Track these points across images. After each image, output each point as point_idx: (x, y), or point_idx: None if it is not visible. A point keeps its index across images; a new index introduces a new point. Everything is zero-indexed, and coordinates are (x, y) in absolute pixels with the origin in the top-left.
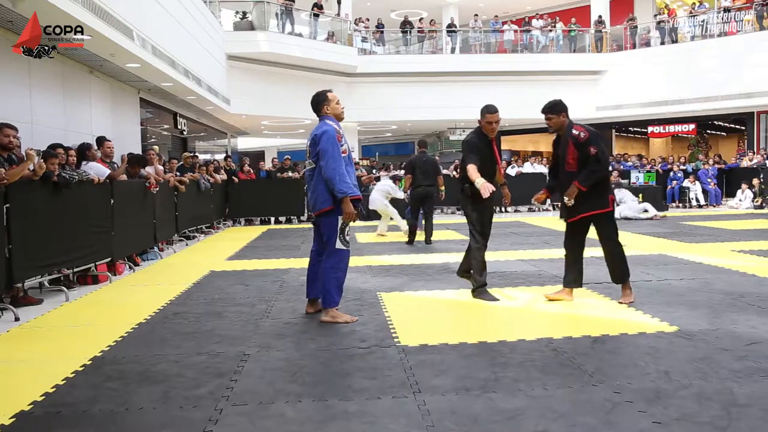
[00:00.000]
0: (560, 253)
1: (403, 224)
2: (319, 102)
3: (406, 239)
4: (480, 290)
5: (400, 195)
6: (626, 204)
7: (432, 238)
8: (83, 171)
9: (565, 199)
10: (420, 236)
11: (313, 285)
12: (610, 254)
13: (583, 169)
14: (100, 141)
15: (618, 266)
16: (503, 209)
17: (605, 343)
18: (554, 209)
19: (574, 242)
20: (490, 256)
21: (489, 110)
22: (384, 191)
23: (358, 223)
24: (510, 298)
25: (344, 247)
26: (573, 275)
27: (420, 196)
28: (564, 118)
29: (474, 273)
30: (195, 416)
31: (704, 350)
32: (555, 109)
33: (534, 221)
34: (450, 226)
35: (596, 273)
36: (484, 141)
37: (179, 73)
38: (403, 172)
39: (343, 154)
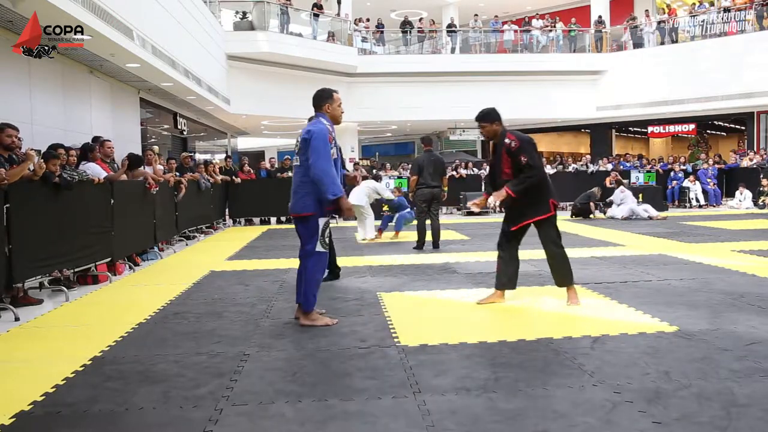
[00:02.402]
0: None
1: (369, 232)
2: (323, 98)
3: (383, 239)
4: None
5: (388, 195)
6: (627, 204)
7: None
8: (83, 171)
9: (491, 199)
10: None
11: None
12: (552, 258)
13: (517, 177)
14: (98, 141)
15: (561, 269)
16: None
17: (605, 343)
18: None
19: (510, 245)
20: (490, 256)
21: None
22: (370, 188)
23: (355, 223)
24: (510, 298)
25: (323, 249)
26: (506, 277)
27: (428, 196)
28: (497, 126)
29: None
30: (195, 416)
31: (704, 350)
32: (488, 117)
33: None
34: (449, 226)
35: (596, 273)
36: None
37: (179, 73)
38: (408, 173)
39: (333, 157)
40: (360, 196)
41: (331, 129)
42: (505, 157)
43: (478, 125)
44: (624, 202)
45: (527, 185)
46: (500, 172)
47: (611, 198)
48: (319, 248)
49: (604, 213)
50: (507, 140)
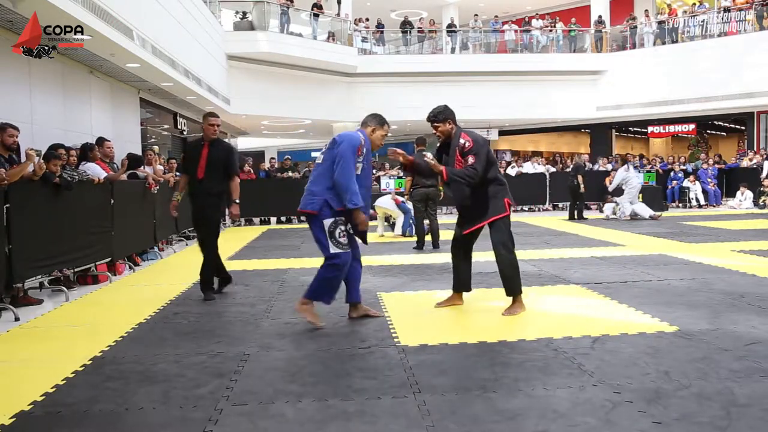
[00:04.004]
0: (561, 253)
1: (397, 230)
2: (374, 120)
3: (403, 240)
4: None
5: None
6: (633, 189)
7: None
8: (83, 171)
9: (429, 156)
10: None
11: (348, 289)
12: (502, 263)
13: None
14: (100, 141)
15: (510, 276)
16: None
17: (605, 343)
18: (554, 209)
19: (464, 247)
20: (489, 255)
21: (210, 114)
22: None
23: None
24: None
25: (340, 250)
26: (462, 279)
27: (423, 196)
28: (450, 125)
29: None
30: (195, 416)
31: (704, 350)
32: (440, 116)
33: (534, 221)
34: (450, 226)
35: (596, 273)
36: (193, 145)
37: (179, 73)
38: (402, 173)
39: (357, 172)
40: (389, 201)
41: (365, 144)
42: (458, 158)
43: (431, 125)
44: (628, 183)
45: (464, 183)
46: None
47: (615, 183)
48: (333, 249)
49: (615, 212)
50: (462, 140)
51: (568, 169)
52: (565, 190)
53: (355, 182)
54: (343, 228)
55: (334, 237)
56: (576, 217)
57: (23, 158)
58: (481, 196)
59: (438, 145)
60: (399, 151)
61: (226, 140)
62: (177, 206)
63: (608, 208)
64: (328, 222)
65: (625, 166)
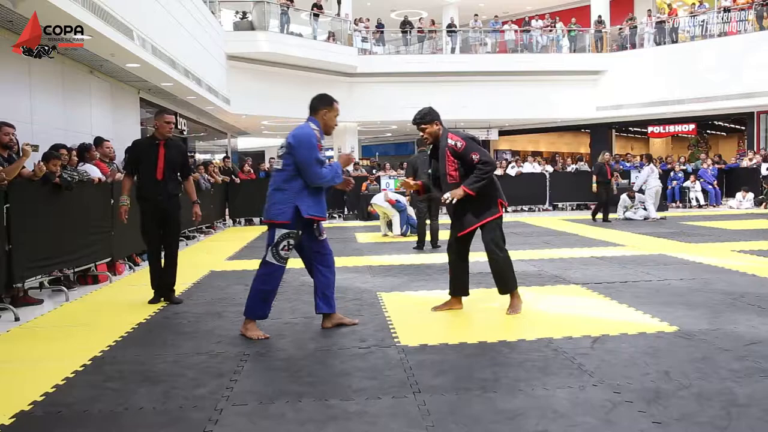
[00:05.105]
0: (561, 253)
1: (395, 229)
2: (323, 102)
3: (398, 239)
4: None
5: (408, 206)
6: (650, 187)
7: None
8: (84, 171)
9: (446, 195)
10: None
11: (316, 299)
12: (495, 262)
13: (470, 176)
14: (98, 141)
15: (503, 275)
16: None
17: (605, 343)
18: (554, 209)
19: (460, 250)
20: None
21: (165, 111)
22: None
23: (358, 223)
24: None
25: (275, 262)
26: (460, 283)
27: (427, 197)
28: (437, 126)
29: None
30: (195, 416)
31: (704, 350)
32: (427, 117)
33: (534, 221)
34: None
35: (596, 273)
36: (146, 144)
37: (179, 73)
38: (403, 172)
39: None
40: (383, 201)
41: (320, 136)
42: (450, 159)
43: (418, 128)
44: (648, 183)
45: (485, 181)
46: (444, 175)
47: (640, 183)
48: (270, 258)
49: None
50: (450, 141)
51: (570, 168)
52: (566, 189)
53: (325, 173)
54: (291, 242)
55: (277, 247)
56: (594, 218)
57: None
58: (473, 198)
59: (429, 152)
60: (410, 183)
61: (225, 140)
62: (128, 210)
63: (623, 200)
64: (281, 232)
65: (650, 166)
